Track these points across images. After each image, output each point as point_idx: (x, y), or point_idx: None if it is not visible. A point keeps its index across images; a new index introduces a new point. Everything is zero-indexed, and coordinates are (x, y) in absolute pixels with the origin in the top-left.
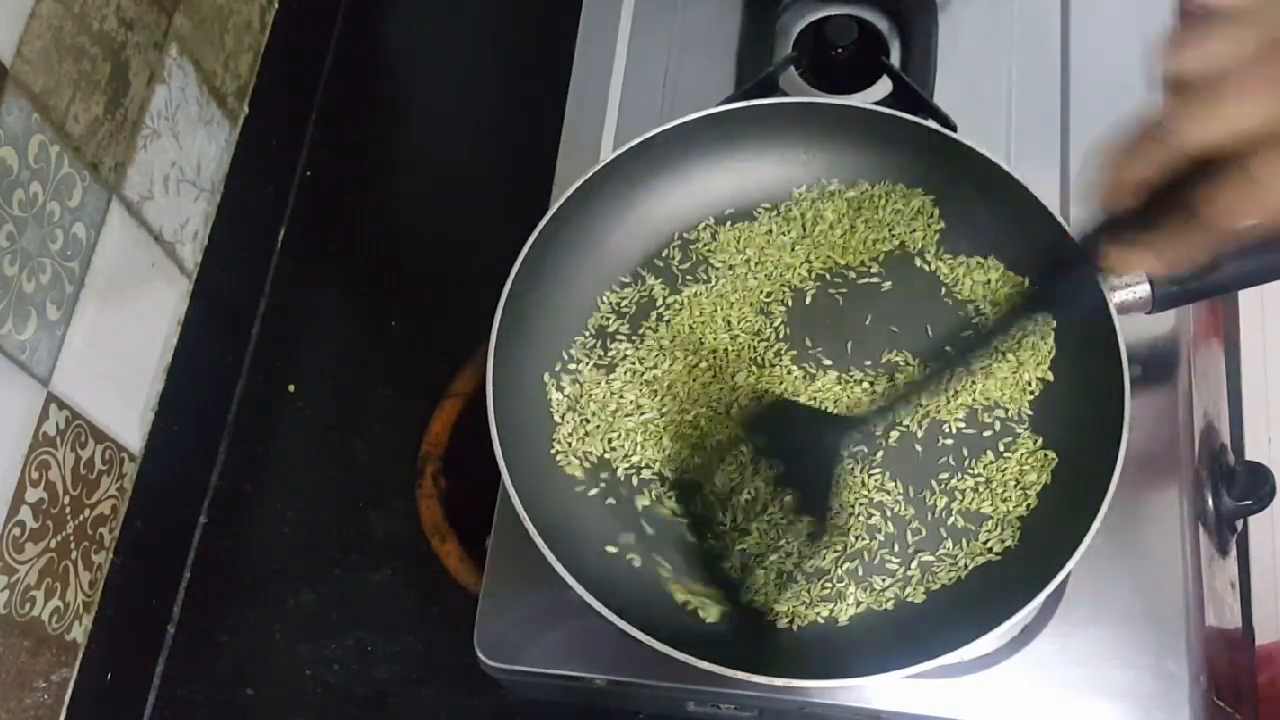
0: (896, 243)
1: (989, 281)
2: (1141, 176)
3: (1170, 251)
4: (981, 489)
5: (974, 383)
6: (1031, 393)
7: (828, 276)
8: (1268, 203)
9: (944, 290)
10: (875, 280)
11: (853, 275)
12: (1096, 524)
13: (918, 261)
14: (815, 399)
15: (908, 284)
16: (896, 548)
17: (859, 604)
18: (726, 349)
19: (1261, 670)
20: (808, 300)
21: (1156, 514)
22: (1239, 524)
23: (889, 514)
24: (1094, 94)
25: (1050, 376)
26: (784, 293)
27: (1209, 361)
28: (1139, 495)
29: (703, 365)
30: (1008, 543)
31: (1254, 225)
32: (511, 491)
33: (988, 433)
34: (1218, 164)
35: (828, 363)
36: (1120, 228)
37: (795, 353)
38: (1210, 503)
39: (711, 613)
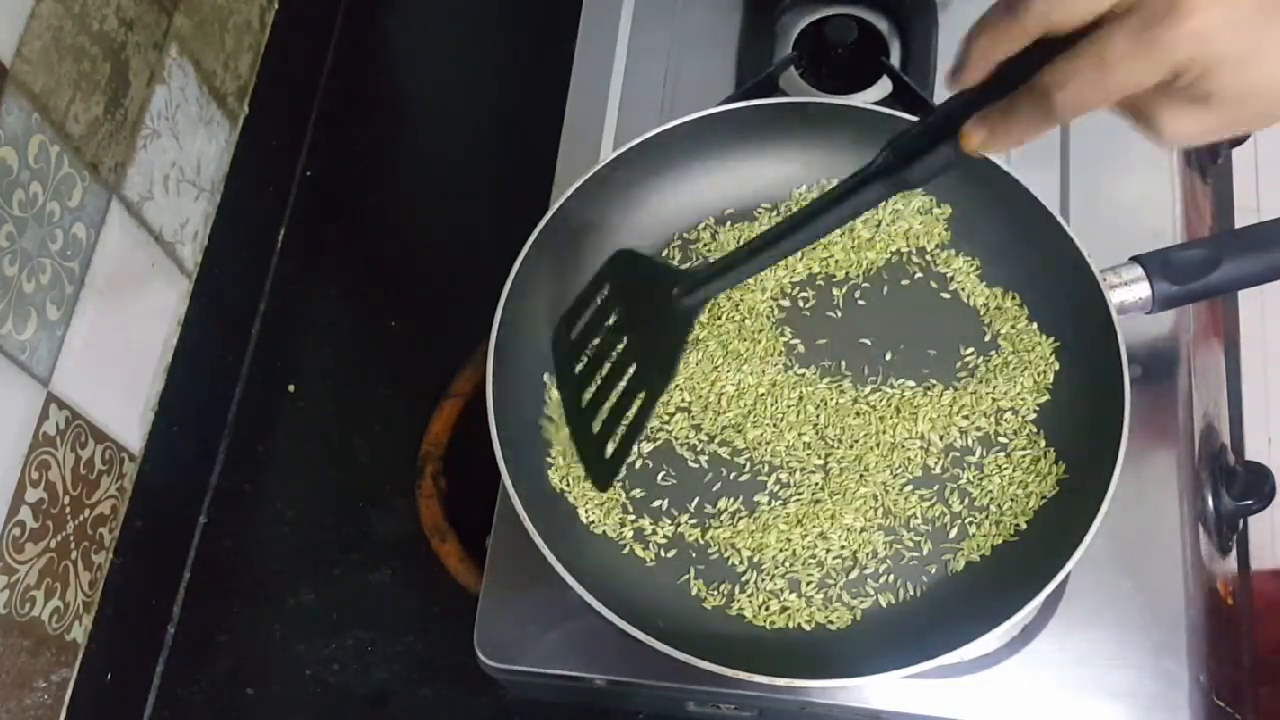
0: (898, 243)
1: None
2: (1000, 53)
3: (1010, 130)
4: (982, 488)
5: (980, 385)
6: (1037, 394)
7: (831, 276)
8: (1109, 81)
9: (944, 290)
10: (876, 279)
11: (854, 275)
12: (1096, 524)
13: (918, 259)
14: (809, 397)
15: (908, 283)
16: (896, 547)
17: (859, 603)
18: (726, 348)
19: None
20: (809, 299)
21: (1156, 514)
22: (1239, 524)
23: (889, 512)
24: None
25: (1051, 381)
26: (784, 292)
27: (1209, 361)
28: (1139, 495)
29: (703, 365)
30: (1008, 542)
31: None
32: (511, 491)
33: (989, 433)
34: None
35: (826, 363)
36: (974, 105)
37: (794, 351)
38: (1210, 503)
39: (713, 599)
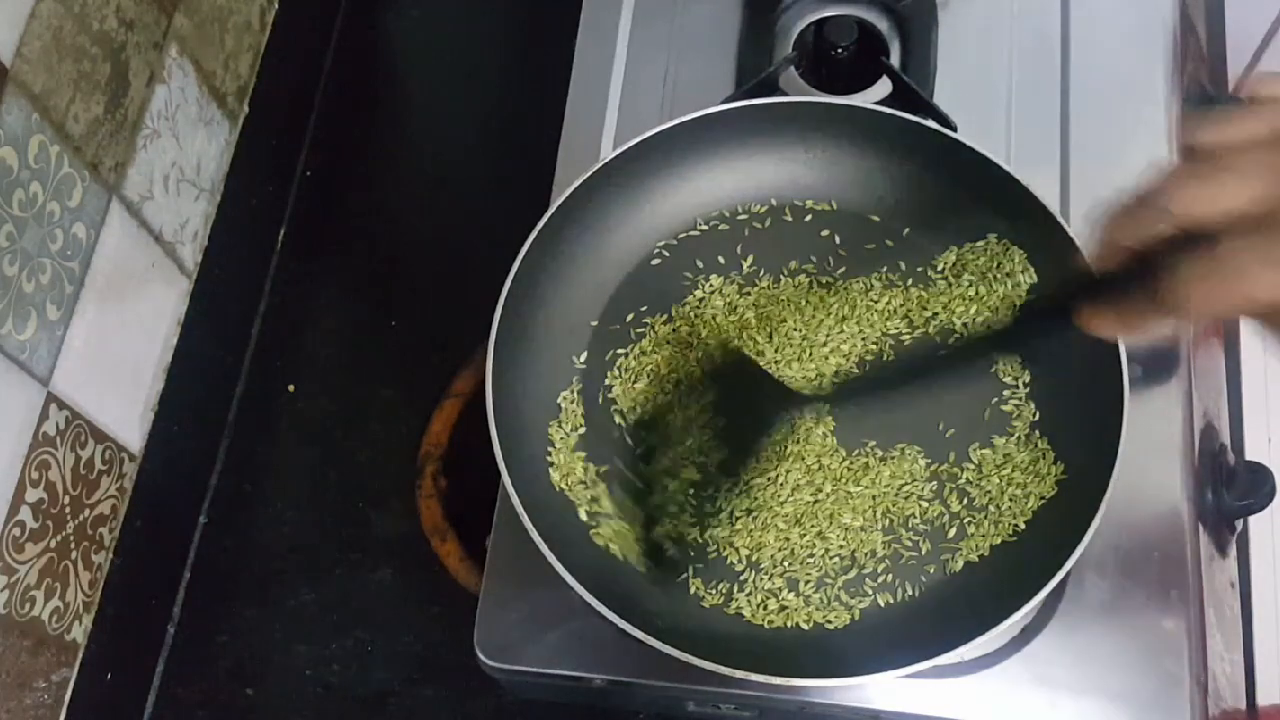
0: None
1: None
2: (1131, 240)
3: (1133, 321)
4: (981, 488)
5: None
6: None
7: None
8: (1229, 286)
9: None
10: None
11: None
12: (1095, 523)
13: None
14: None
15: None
16: (894, 546)
17: (857, 603)
18: (726, 348)
19: None
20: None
21: (1156, 514)
22: (1239, 524)
23: (888, 512)
24: (1094, 94)
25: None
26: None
27: (1209, 361)
28: (1139, 495)
29: (704, 364)
30: (1006, 542)
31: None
32: (511, 491)
33: (989, 431)
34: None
35: (827, 367)
36: (1100, 288)
37: (793, 352)
38: (1210, 502)
39: (711, 598)
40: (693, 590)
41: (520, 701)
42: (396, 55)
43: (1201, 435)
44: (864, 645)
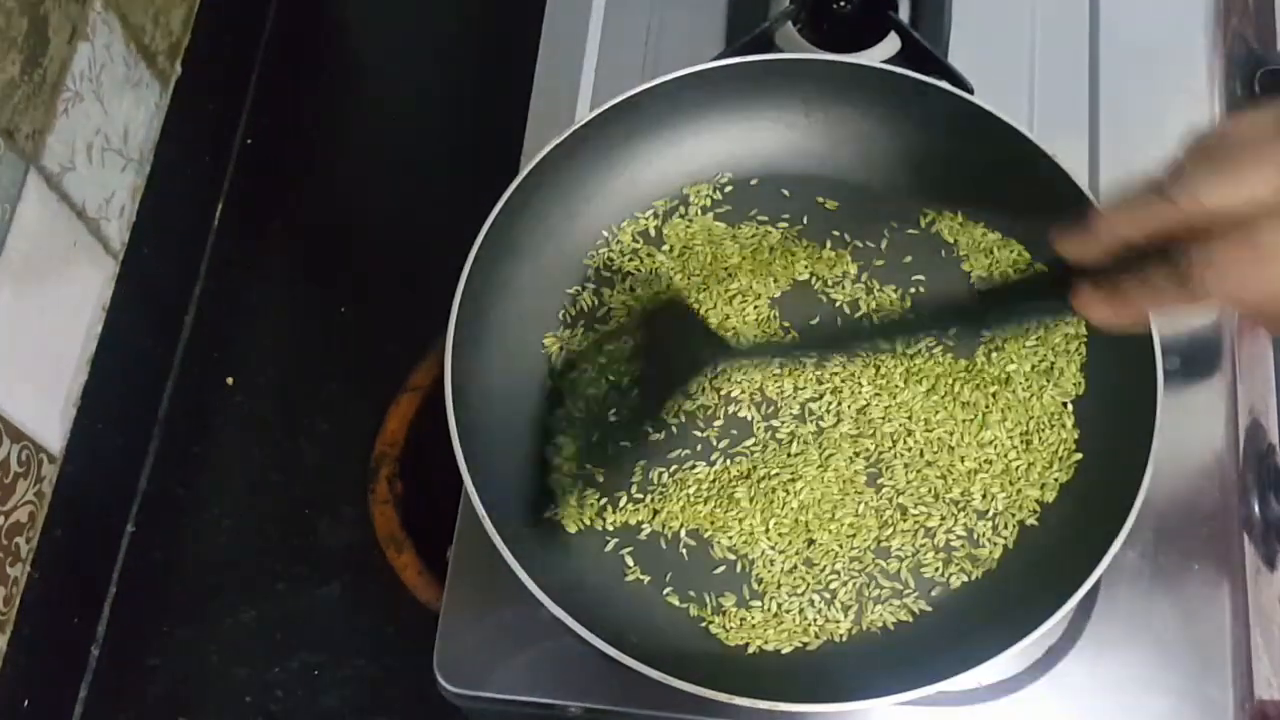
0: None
1: (999, 259)
2: (1136, 230)
3: (1145, 302)
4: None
5: None
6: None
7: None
8: (1267, 270)
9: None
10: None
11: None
12: (1124, 533)
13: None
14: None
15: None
16: (897, 550)
17: (857, 616)
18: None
19: None
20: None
21: (1195, 522)
22: None
23: (893, 515)
24: (1126, 52)
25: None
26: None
27: (1255, 352)
28: (1175, 501)
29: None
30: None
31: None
32: (474, 497)
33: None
34: (1202, 235)
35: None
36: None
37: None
38: (1256, 510)
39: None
40: (675, 605)
41: None
42: (346, 9)
43: (1247, 434)
44: (865, 664)
